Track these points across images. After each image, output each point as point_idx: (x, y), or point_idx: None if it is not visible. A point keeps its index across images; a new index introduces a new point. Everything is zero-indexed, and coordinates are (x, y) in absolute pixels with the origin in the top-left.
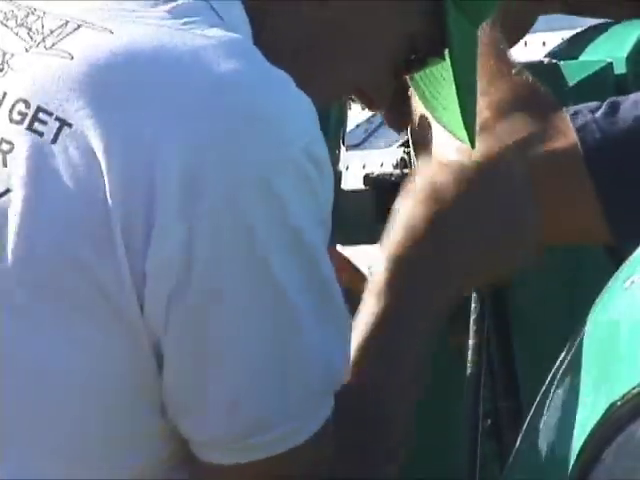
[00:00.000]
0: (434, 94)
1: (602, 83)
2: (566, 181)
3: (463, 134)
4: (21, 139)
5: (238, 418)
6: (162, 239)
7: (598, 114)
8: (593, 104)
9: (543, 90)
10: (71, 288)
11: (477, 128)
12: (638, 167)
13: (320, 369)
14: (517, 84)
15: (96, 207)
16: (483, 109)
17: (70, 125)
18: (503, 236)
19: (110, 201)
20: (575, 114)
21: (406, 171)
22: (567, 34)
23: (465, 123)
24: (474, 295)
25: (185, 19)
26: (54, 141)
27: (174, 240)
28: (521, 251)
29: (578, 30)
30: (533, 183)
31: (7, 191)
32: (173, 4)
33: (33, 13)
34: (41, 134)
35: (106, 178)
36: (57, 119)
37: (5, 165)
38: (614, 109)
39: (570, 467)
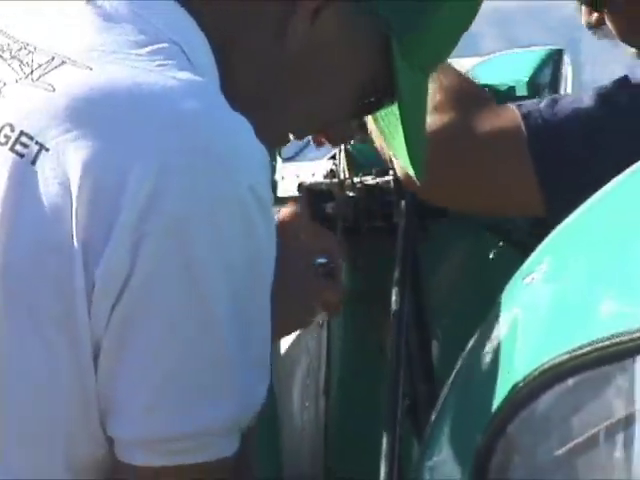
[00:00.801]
0: (391, 130)
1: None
2: (509, 158)
3: (412, 171)
4: (3, 158)
5: (156, 422)
6: (113, 253)
7: (541, 105)
8: (535, 100)
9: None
10: (38, 297)
11: (430, 109)
12: (573, 150)
13: (238, 395)
14: (463, 76)
15: (63, 223)
16: (435, 93)
17: (47, 149)
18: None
19: (75, 219)
20: (519, 105)
21: (335, 180)
22: (474, 60)
23: (412, 162)
24: (395, 289)
25: (159, 62)
26: (33, 162)
27: (121, 253)
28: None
29: (483, 57)
30: (479, 157)
31: None
32: (149, 48)
33: (26, 47)
34: (22, 155)
35: (74, 197)
36: (37, 143)
37: None
38: (555, 102)
39: (477, 441)
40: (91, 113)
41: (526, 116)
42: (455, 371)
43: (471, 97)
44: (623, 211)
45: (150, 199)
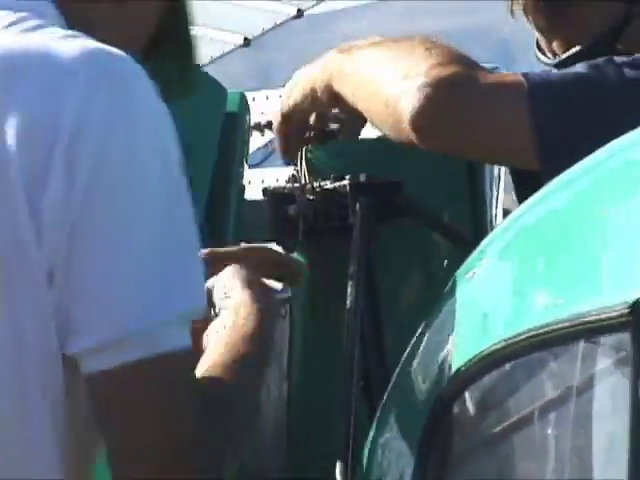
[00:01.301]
0: None
1: None
2: (509, 106)
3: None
4: None
5: (115, 323)
6: (55, 179)
7: (544, 70)
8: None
9: None
10: None
11: (434, 63)
12: (571, 108)
13: (184, 287)
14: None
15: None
16: (438, 51)
17: None
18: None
19: (14, 155)
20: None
21: (296, 185)
22: None
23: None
24: (350, 283)
25: (35, 24)
26: None
27: (59, 174)
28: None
29: None
30: (482, 103)
31: None
32: (20, 15)
33: None
34: None
35: (12, 136)
36: None
37: None
38: (559, 71)
39: (424, 419)
40: (10, 69)
41: (525, 75)
42: (405, 356)
43: (473, 60)
44: (557, 213)
45: (78, 121)
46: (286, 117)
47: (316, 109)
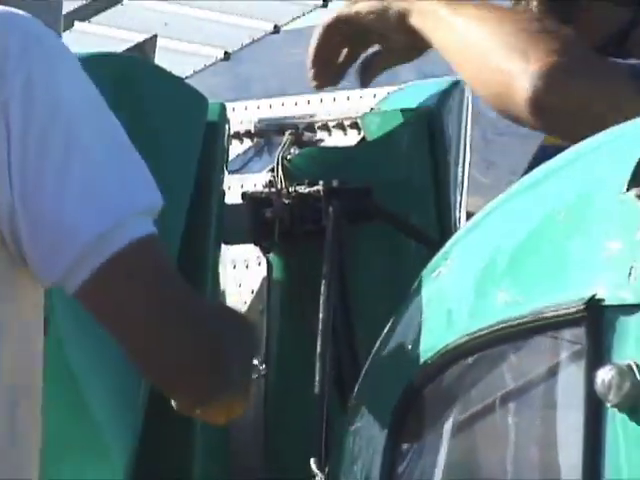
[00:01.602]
0: None
1: (419, 126)
2: (620, 91)
3: None
4: None
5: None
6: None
7: None
8: None
9: None
10: None
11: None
12: None
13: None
14: None
15: None
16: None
17: None
18: None
19: None
20: None
21: (273, 190)
22: (391, 89)
23: None
24: (323, 281)
25: None
26: None
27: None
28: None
29: (400, 85)
30: (593, 90)
31: None
32: None
33: None
34: None
35: None
36: None
37: None
38: None
39: (392, 409)
40: None
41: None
42: (374, 351)
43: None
44: (518, 216)
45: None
46: (341, 19)
47: (377, 25)
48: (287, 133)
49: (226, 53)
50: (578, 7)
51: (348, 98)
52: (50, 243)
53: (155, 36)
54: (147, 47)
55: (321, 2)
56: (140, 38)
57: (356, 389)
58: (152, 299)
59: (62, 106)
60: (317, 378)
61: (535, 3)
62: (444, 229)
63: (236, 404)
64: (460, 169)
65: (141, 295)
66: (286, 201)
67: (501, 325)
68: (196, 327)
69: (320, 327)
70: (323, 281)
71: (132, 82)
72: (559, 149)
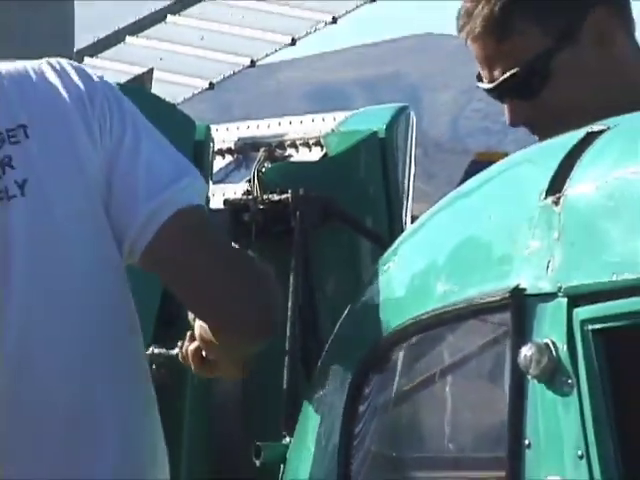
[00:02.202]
0: None
1: (372, 144)
2: None
3: None
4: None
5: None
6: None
7: None
8: None
9: None
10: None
11: None
12: None
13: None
14: None
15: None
16: None
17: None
18: None
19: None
20: None
21: (250, 197)
22: (348, 113)
23: None
24: (292, 274)
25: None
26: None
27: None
28: None
29: (354, 111)
30: None
31: None
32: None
33: None
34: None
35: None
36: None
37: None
38: None
39: (349, 381)
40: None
41: None
42: (335, 332)
43: None
44: (454, 218)
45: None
46: None
47: None
48: (262, 150)
49: (210, 83)
50: (515, 30)
51: (312, 120)
52: (127, 209)
53: (152, 69)
54: (145, 78)
55: (290, 40)
56: (139, 71)
57: (319, 364)
58: (214, 251)
59: (136, 123)
60: (287, 357)
61: (478, 22)
62: (393, 231)
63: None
64: (406, 180)
65: (205, 246)
66: (261, 207)
67: (440, 310)
68: (254, 281)
69: (289, 313)
70: (292, 273)
71: None
72: (487, 164)
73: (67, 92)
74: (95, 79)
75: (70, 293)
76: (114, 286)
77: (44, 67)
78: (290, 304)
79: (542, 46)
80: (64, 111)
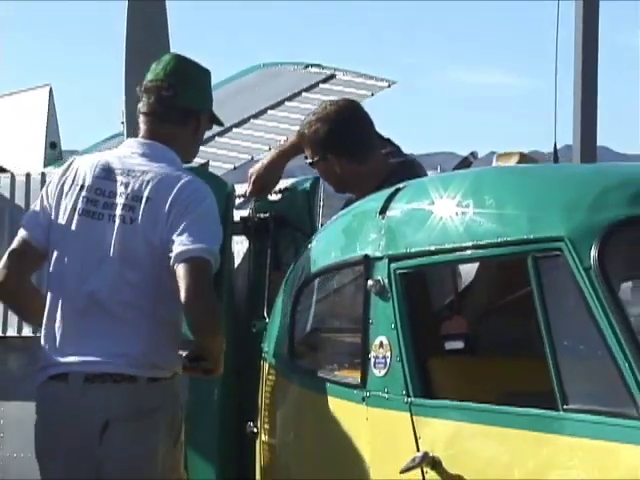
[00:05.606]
0: None
1: (304, 193)
2: None
3: None
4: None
5: (193, 238)
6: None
7: None
8: None
9: None
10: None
11: None
12: None
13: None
14: None
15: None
16: None
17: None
18: None
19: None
20: None
21: (251, 216)
22: (294, 179)
23: None
24: (268, 254)
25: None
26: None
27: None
28: None
29: (296, 178)
30: None
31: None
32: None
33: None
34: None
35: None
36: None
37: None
38: None
39: (294, 292)
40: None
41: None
42: (287, 274)
43: None
44: (339, 223)
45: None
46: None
47: None
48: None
49: (235, 167)
50: (371, 155)
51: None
52: (170, 248)
53: (208, 162)
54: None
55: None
56: (202, 162)
57: (282, 287)
58: (199, 287)
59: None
60: (265, 303)
61: (331, 159)
62: (313, 230)
63: (222, 338)
64: (319, 208)
65: (197, 283)
66: (255, 220)
67: (333, 264)
68: (210, 308)
69: (267, 272)
70: (268, 251)
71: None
72: (356, 199)
73: (174, 195)
74: (190, 191)
75: (143, 268)
76: (164, 274)
77: (178, 174)
78: (267, 269)
79: (390, 167)
80: (164, 202)
